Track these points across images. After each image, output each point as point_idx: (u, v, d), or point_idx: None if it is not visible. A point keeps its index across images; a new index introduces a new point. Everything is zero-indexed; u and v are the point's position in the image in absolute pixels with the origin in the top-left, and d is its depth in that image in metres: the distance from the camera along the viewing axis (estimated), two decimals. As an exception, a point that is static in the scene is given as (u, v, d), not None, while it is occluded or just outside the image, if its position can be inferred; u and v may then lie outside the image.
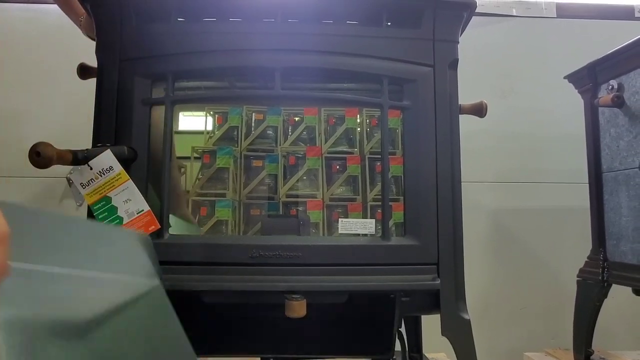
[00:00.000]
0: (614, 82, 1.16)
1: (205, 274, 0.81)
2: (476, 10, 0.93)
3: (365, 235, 0.90)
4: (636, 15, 1.74)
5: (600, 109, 1.22)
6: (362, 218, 0.90)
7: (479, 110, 1.01)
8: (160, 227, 0.80)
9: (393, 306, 0.90)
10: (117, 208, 0.80)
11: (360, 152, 0.93)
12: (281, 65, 0.88)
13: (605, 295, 1.20)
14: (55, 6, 1.26)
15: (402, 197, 0.91)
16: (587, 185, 1.27)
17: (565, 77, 1.32)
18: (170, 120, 0.84)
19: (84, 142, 0.84)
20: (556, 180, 1.63)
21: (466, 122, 0.99)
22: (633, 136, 1.11)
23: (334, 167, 0.92)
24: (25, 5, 1.56)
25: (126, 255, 0.66)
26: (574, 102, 1.31)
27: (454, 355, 0.88)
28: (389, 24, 0.94)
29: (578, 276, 1.26)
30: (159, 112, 0.86)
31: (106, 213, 0.80)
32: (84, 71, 1.00)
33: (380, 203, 0.90)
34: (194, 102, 1.02)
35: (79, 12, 1.19)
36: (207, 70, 0.87)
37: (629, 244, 1.12)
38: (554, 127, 1.65)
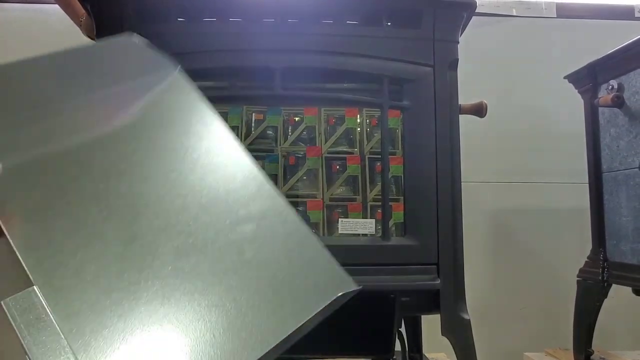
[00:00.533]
0: (614, 82, 1.16)
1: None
2: (476, 10, 0.94)
3: (365, 235, 0.90)
4: (636, 15, 1.74)
5: (600, 109, 1.22)
6: (362, 218, 0.90)
7: (479, 110, 1.01)
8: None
9: (393, 306, 0.90)
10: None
11: (360, 152, 0.93)
12: (281, 65, 0.88)
13: (605, 295, 1.20)
14: (55, 6, 1.26)
15: (402, 197, 0.91)
16: (587, 185, 1.27)
17: (565, 77, 1.32)
18: (170, 120, 0.84)
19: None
20: (556, 180, 1.64)
21: (466, 122, 0.99)
22: (633, 136, 1.11)
23: (334, 167, 0.92)
24: (25, 5, 1.56)
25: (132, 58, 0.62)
26: (574, 102, 1.31)
27: (454, 355, 0.88)
28: (389, 24, 0.94)
29: (578, 276, 1.26)
30: (159, 112, 0.86)
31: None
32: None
33: (380, 203, 0.90)
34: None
35: (79, 13, 1.19)
36: (207, 70, 0.87)
37: (629, 244, 1.12)
38: (554, 127, 1.65)
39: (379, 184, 0.90)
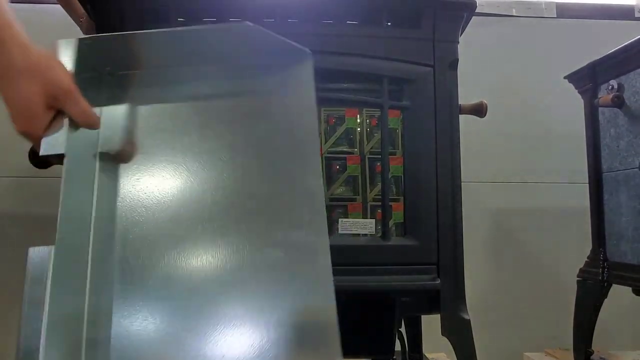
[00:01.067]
0: (614, 82, 1.16)
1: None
2: (476, 10, 0.94)
3: (365, 235, 0.90)
4: (636, 15, 1.74)
5: (600, 109, 1.22)
6: (362, 218, 0.90)
7: (479, 110, 1.01)
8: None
9: (393, 306, 0.90)
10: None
11: (360, 152, 0.93)
12: (281, 65, 0.88)
13: (605, 295, 1.20)
14: (55, 6, 1.26)
15: (402, 197, 0.91)
16: (587, 185, 1.27)
17: (565, 77, 1.32)
18: (170, 120, 0.84)
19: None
20: (556, 180, 1.63)
21: (466, 122, 0.99)
22: (633, 136, 1.11)
23: (334, 167, 0.92)
24: (25, 5, 1.56)
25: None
26: (574, 102, 1.30)
27: (454, 355, 0.88)
28: (389, 24, 0.94)
29: (578, 276, 1.26)
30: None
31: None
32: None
33: (380, 203, 0.90)
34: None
35: (80, 13, 1.19)
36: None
37: (629, 244, 1.12)
38: (554, 127, 1.65)
39: (379, 184, 0.90)
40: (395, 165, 0.91)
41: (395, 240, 0.89)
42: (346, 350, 0.92)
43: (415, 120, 0.91)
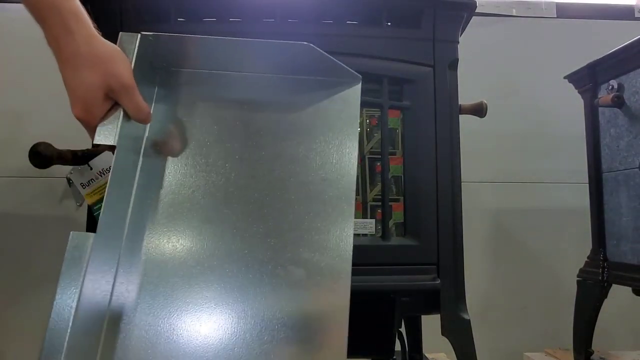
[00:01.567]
0: (614, 82, 1.16)
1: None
2: (476, 10, 0.94)
3: (365, 235, 0.90)
4: (636, 15, 1.74)
5: (600, 109, 1.22)
6: (362, 218, 0.90)
7: (479, 110, 1.01)
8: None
9: (393, 306, 0.90)
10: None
11: (360, 152, 0.93)
12: (281, 65, 0.88)
13: (605, 295, 1.20)
14: (55, 6, 1.26)
15: (402, 197, 0.91)
16: (587, 185, 1.27)
17: (565, 77, 1.32)
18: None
19: (84, 142, 0.85)
20: (556, 180, 1.63)
21: (466, 122, 0.99)
22: (633, 136, 1.11)
23: (334, 167, 0.92)
24: (25, 5, 1.56)
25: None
26: (574, 102, 1.31)
27: (454, 355, 0.88)
28: (389, 24, 0.94)
29: (578, 276, 1.26)
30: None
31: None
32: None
33: (380, 203, 0.90)
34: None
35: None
36: (207, 70, 0.87)
37: (629, 244, 1.12)
38: (554, 127, 1.65)
39: (379, 184, 0.91)
40: (395, 165, 0.91)
41: (395, 240, 0.89)
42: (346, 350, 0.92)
43: (415, 120, 0.91)
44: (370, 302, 0.91)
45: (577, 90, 1.30)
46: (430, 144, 0.90)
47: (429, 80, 0.91)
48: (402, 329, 1.07)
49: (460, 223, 0.91)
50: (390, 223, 0.90)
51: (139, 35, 0.62)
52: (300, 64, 0.65)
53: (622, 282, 1.15)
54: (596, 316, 1.22)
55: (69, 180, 0.88)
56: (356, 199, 0.92)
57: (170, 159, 0.59)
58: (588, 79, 1.24)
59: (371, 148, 0.93)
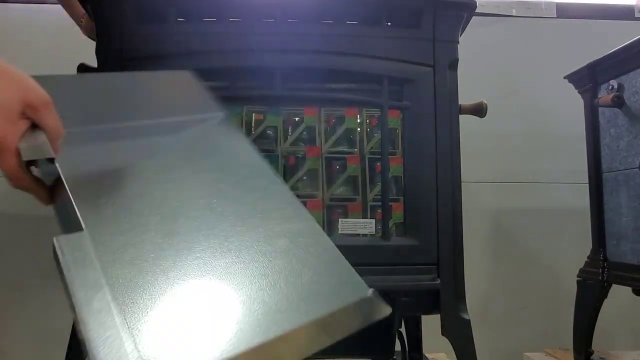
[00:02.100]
0: (614, 82, 1.16)
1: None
2: (476, 10, 0.94)
3: (365, 235, 0.90)
4: (636, 15, 1.74)
5: (600, 109, 1.22)
6: (362, 218, 0.90)
7: (479, 110, 1.01)
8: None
9: (393, 306, 0.90)
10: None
11: (360, 152, 0.93)
12: (281, 65, 0.88)
13: (605, 295, 1.20)
14: (55, 6, 1.26)
15: (402, 197, 0.91)
16: (587, 185, 1.27)
17: (565, 77, 1.32)
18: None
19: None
20: (556, 180, 1.63)
21: (466, 122, 0.99)
22: (633, 136, 1.11)
23: (334, 167, 0.92)
24: (25, 5, 1.56)
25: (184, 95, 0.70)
26: (574, 102, 1.30)
27: (454, 355, 0.88)
28: (389, 24, 0.94)
29: (578, 276, 1.26)
30: (159, 112, 0.86)
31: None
32: (84, 71, 1.00)
33: (380, 203, 0.90)
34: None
35: (80, 13, 1.19)
36: (207, 71, 0.87)
37: (629, 244, 1.12)
38: (554, 127, 1.65)
39: (379, 184, 0.91)
40: (395, 165, 0.91)
41: (395, 240, 0.89)
42: (346, 350, 0.92)
43: (415, 120, 0.91)
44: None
45: (577, 90, 1.30)
46: (430, 144, 0.90)
47: (429, 80, 0.91)
48: (402, 329, 1.07)
49: (460, 223, 0.91)
50: (390, 223, 0.90)
51: None
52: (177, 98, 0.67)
53: (622, 282, 1.15)
54: (596, 316, 1.22)
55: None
56: (355, 199, 0.92)
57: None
58: (588, 79, 1.24)
59: (371, 148, 0.93)
